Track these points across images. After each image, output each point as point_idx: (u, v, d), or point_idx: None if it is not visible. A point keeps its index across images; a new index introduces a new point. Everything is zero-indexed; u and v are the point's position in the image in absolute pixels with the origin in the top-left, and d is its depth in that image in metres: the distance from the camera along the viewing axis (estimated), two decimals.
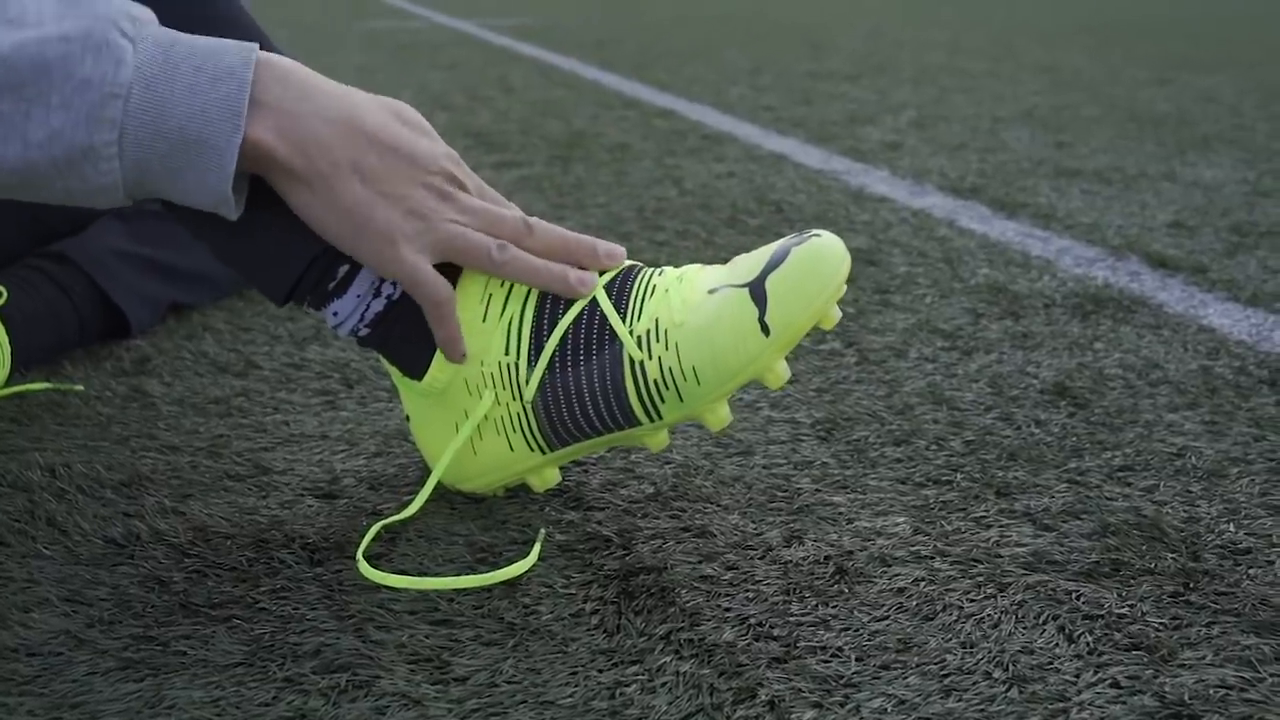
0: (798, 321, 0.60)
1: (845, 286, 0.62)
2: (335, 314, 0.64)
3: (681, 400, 0.62)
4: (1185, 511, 0.67)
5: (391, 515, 0.65)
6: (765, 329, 0.60)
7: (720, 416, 0.63)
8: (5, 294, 0.83)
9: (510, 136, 1.99)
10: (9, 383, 0.83)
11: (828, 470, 0.72)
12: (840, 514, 0.66)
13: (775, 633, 0.55)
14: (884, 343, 0.95)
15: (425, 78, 2.91)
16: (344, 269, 0.63)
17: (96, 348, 0.92)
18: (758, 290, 0.61)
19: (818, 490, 0.69)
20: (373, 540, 0.62)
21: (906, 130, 2.13)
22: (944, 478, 0.71)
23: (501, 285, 0.64)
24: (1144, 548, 0.63)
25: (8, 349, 0.82)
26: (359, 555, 0.59)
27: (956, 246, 1.27)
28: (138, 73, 0.48)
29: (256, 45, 0.52)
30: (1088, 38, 4.64)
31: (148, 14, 0.51)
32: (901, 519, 0.66)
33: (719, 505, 0.67)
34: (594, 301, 0.63)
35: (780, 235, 1.31)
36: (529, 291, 0.64)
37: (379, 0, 7.21)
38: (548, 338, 0.63)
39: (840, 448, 0.75)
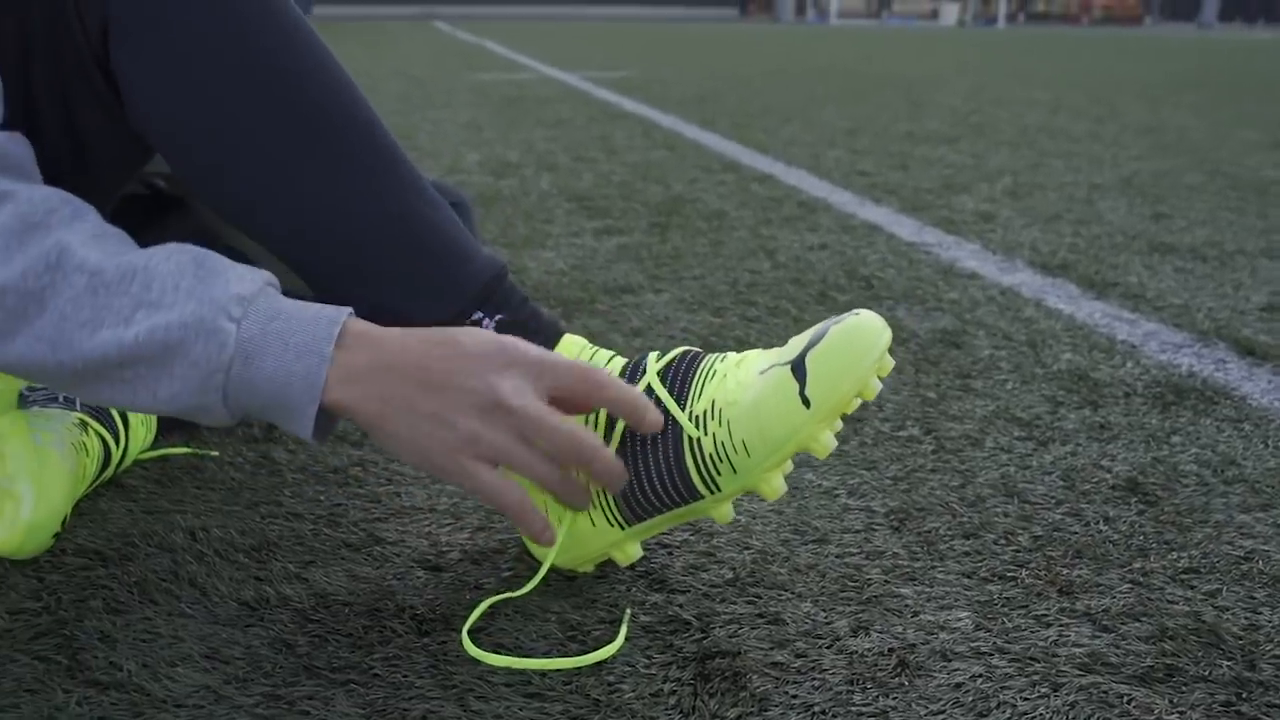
0: (835, 394, 0.65)
1: (892, 359, 0.67)
2: None
3: (735, 472, 0.67)
4: (1246, 619, 0.70)
5: (492, 590, 0.72)
6: (806, 401, 0.65)
7: (774, 487, 0.68)
8: None
9: (611, 201, 2.07)
10: (154, 445, 0.93)
11: (898, 561, 0.76)
12: (906, 606, 0.71)
13: None
14: (962, 431, 0.99)
15: (531, 135, 3.02)
16: None
17: None
18: (799, 366, 0.66)
19: (887, 581, 0.74)
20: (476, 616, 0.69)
21: (1001, 199, 2.15)
22: (1009, 573, 0.75)
23: None
24: (1200, 654, 0.66)
25: (155, 415, 0.91)
26: (464, 631, 0.66)
27: (1042, 329, 1.30)
28: (238, 349, 0.61)
29: (346, 314, 0.63)
30: (1195, 95, 4.57)
31: (258, 286, 0.62)
32: (965, 614, 0.70)
33: (793, 593, 0.72)
34: (649, 389, 0.69)
35: None
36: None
37: (490, 51, 7.43)
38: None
39: (911, 539, 0.79)
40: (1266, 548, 0.79)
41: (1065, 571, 0.75)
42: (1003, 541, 0.79)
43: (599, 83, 4.95)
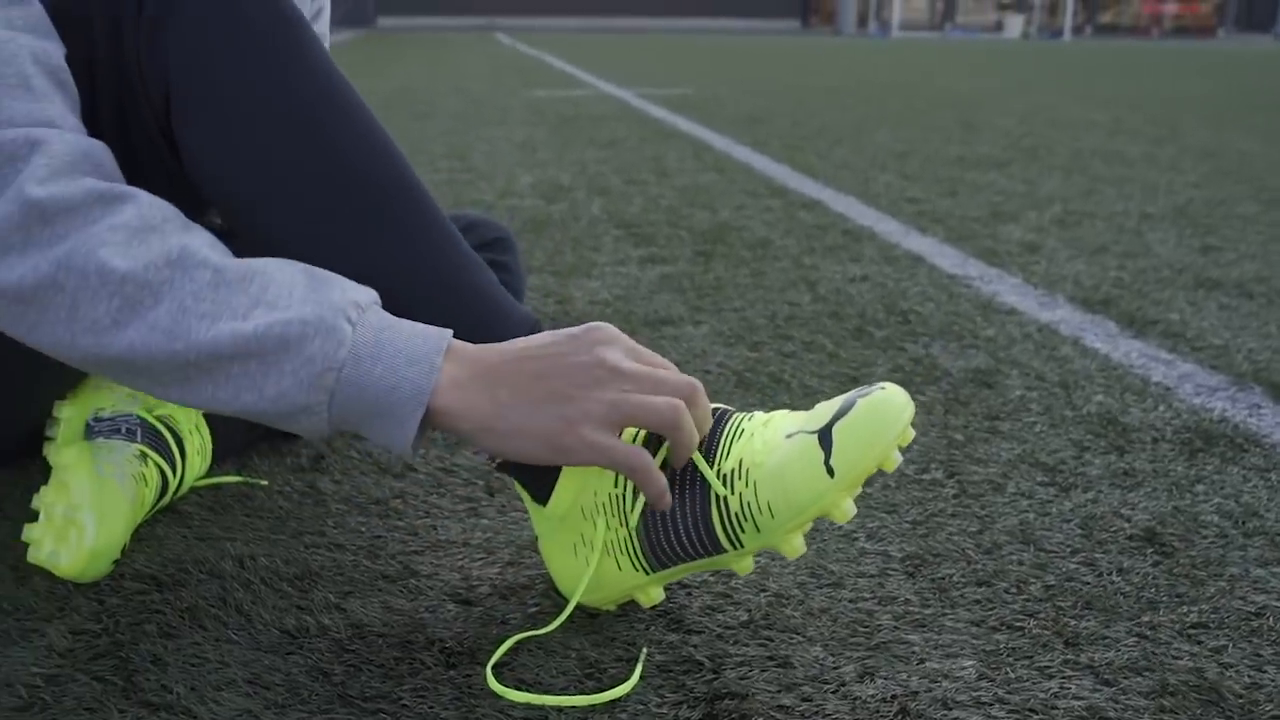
0: (859, 465, 0.69)
1: (913, 431, 0.70)
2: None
3: (759, 531, 0.70)
4: (1250, 677, 0.71)
5: (517, 625, 0.76)
6: (830, 471, 0.69)
7: (794, 546, 0.71)
8: None
9: (658, 228, 2.10)
10: (209, 474, 0.98)
11: (909, 608, 0.79)
12: (913, 653, 0.73)
13: None
14: (985, 475, 1.01)
15: (584, 156, 3.07)
16: None
17: (280, 442, 1.06)
18: (825, 436, 0.69)
19: (896, 627, 0.76)
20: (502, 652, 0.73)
21: (1048, 229, 2.15)
22: (1017, 623, 0.77)
23: None
24: (1199, 711, 0.67)
25: (210, 445, 0.96)
26: (489, 667, 0.70)
27: (1075, 369, 1.31)
28: (351, 352, 0.64)
29: (450, 333, 0.67)
30: (1264, 116, 4.50)
31: (371, 299, 0.66)
32: (970, 663, 0.72)
33: (804, 636, 0.75)
34: None
35: (904, 350, 1.38)
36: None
37: (549, 66, 7.50)
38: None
39: (924, 585, 0.82)
40: (1279, 604, 0.80)
41: (1073, 622, 0.77)
42: (1014, 590, 0.81)
43: (655, 100, 5.00)
